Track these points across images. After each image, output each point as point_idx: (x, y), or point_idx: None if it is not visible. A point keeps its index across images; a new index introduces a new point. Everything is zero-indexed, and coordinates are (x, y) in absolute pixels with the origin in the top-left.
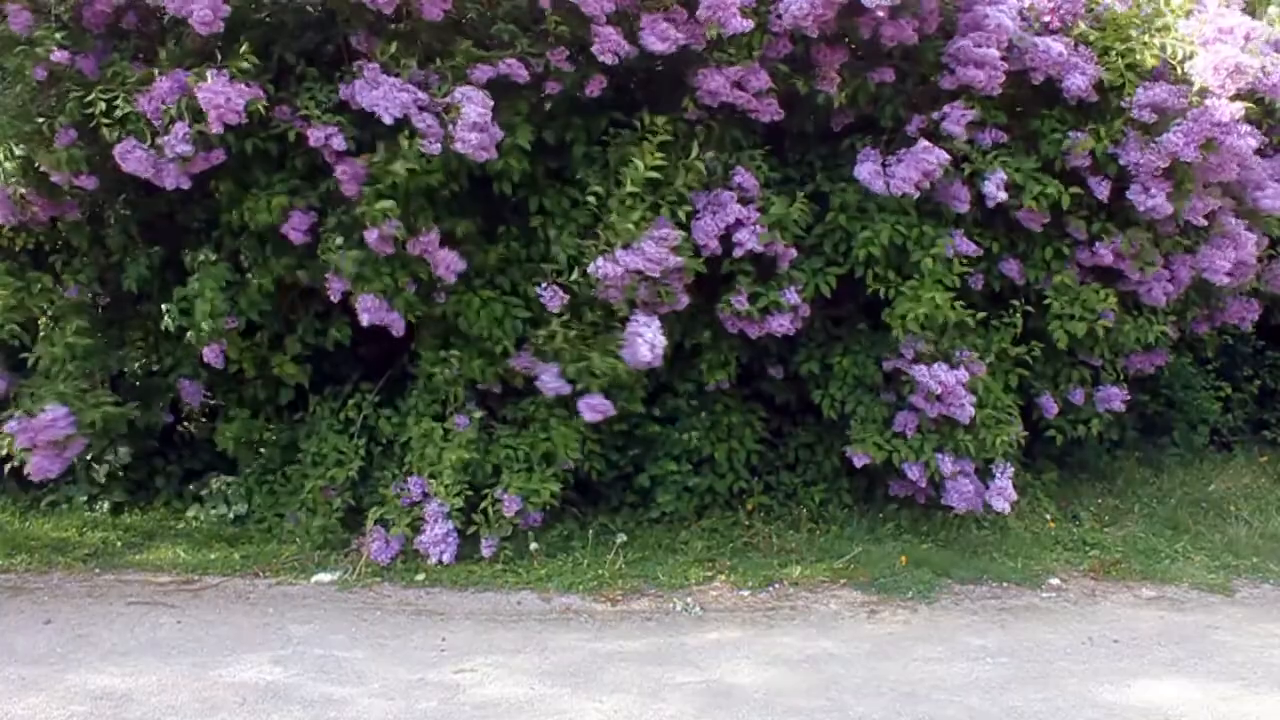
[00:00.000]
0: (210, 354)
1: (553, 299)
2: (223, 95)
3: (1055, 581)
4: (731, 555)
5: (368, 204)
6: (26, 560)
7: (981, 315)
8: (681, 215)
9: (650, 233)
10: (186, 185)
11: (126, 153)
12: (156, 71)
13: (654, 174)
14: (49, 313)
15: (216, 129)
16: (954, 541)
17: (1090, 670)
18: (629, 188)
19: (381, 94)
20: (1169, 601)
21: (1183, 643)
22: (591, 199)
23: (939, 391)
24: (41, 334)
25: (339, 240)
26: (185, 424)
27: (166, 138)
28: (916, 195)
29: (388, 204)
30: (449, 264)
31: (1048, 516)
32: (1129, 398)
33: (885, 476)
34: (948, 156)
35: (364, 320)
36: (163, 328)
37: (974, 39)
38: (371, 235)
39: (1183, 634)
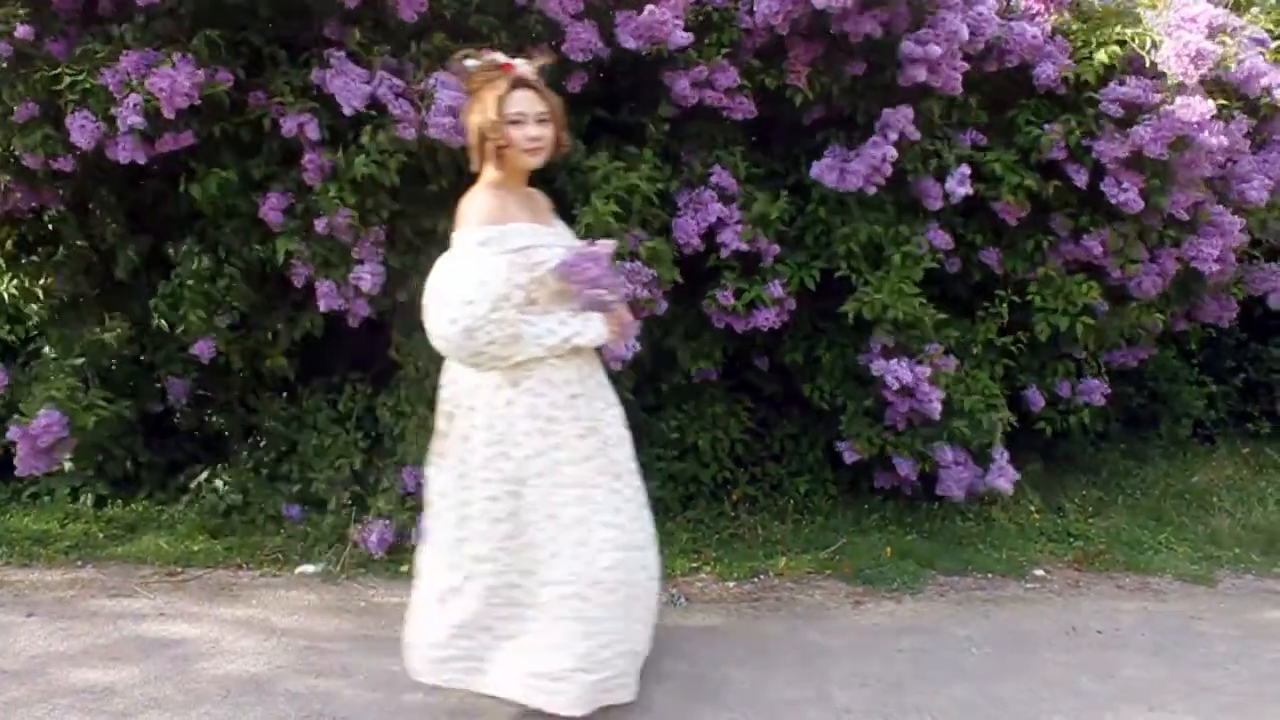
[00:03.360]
0: (201, 348)
1: None
2: (168, 79)
3: (1039, 573)
4: (717, 547)
5: (321, 194)
6: (7, 553)
7: (963, 313)
8: (656, 224)
9: (623, 264)
10: (143, 160)
11: (76, 124)
12: (123, 48)
13: (608, 218)
14: (40, 307)
15: (168, 113)
16: (939, 533)
17: (1074, 660)
18: (585, 220)
19: (342, 84)
20: (1152, 592)
21: (1165, 633)
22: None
23: (897, 387)
24: (34, 329)
25: (296, 224)
26: (175, 416)
27: (119, 109)
28: (871, 190)
29: (342, 192)
30: (372, 279)
31: (1032, 508)
32: (1109, 391)
33: (871, 468)
34: (894, 152)
35: (322, 306)
36: (155, 325)
37: (918, 36)
38: (320, 224)
39: (1165, 625)
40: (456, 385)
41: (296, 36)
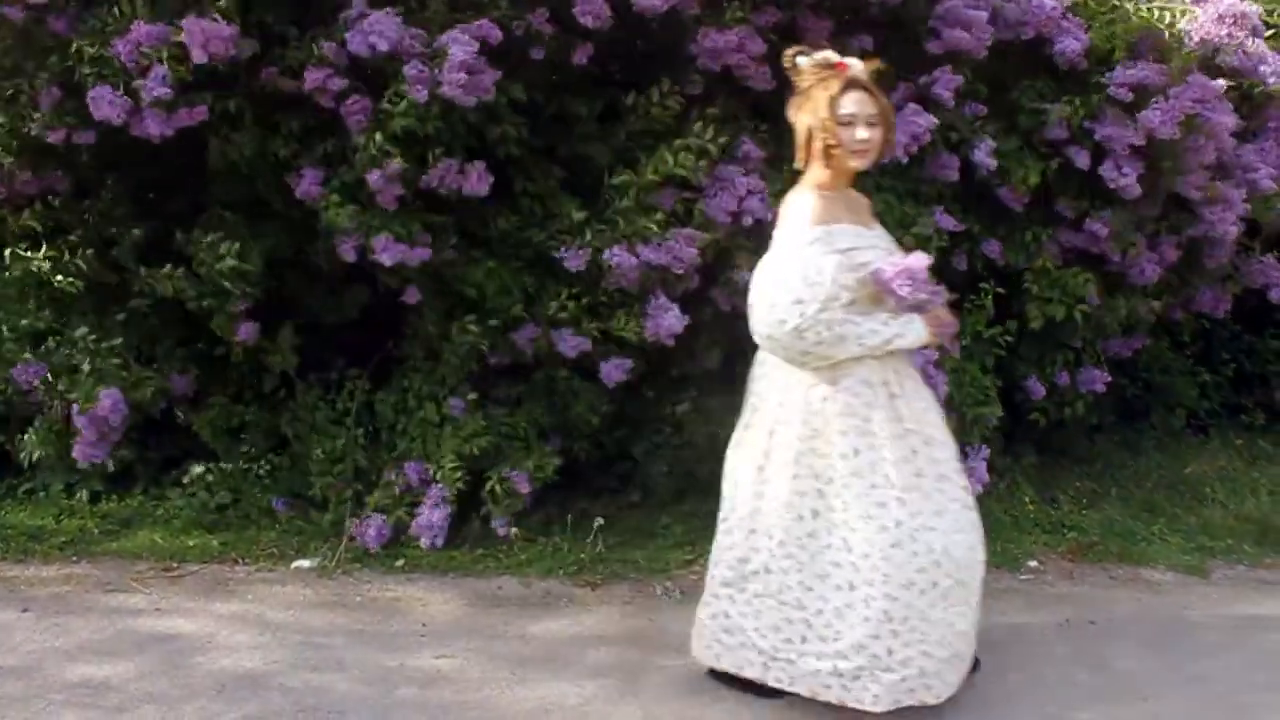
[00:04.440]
0: (245, 331)
1: (574, 259)
2: (201, 25)
3: (1033, 564)
4: (711, 539)
5: (366, 148)
6: (2, 549)
7: (956, 298)
8: (679, 204)
9: (679, 231)
10: (170, 133)
11: (98, 98)
12: (134, 17)
13: (681, 170)
14: (70, 283)
15: (199, 58)
16: None
17: (1068, 651)
18: (651, 176)
19: (372, 20)
20: (1145, 583)
21: (1158, 624)
22: (617, 182)
23: None
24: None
25: (337, 197)
26: (179, 408)
27: (144, 81)
28: (906, 160)
29: (387, 144)
30: (479, 177)
31: (1026, 500)
32: (1110, 379)
33: None
34: (935, 120)
35: (386, 260)
36: (193, 306)
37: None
38: (373, 176)
39: (1158, 615)
40: (767, 379)
41: (305, 14)
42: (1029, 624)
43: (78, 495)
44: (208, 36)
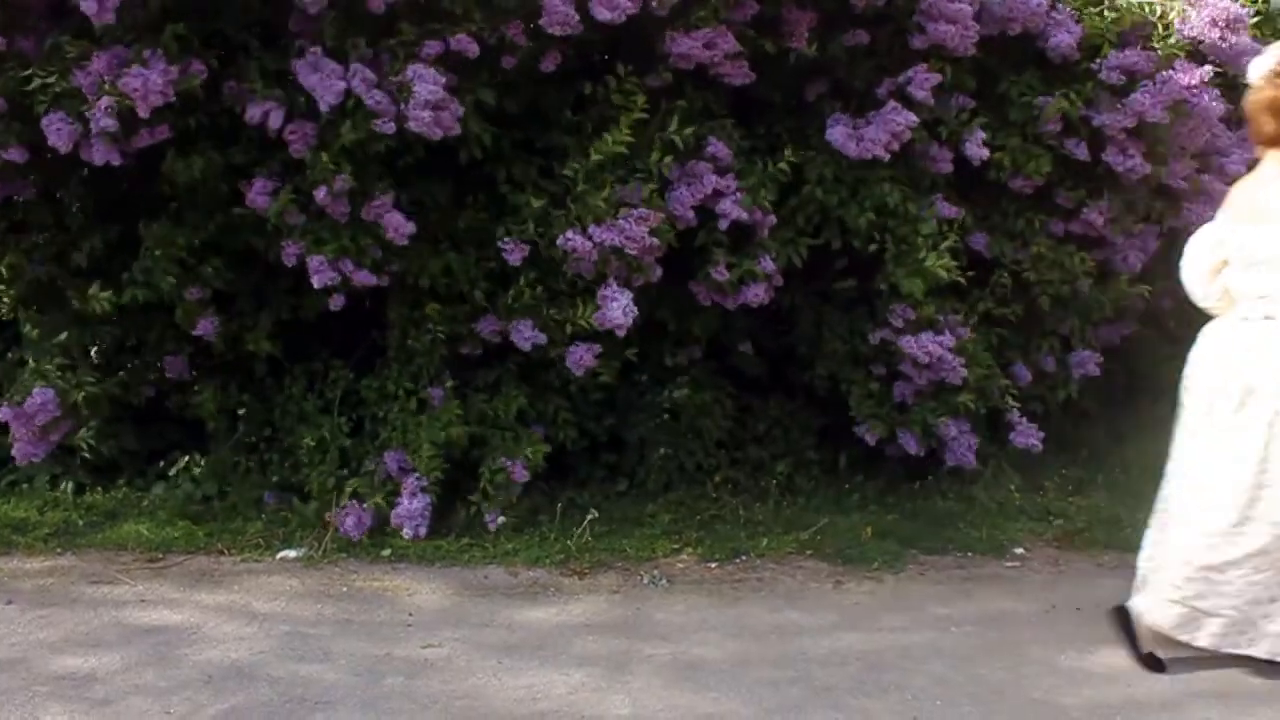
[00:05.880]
0: (204, 327)
1: (513, 252)
2: (140, 78)
3: (1020, 551)
4: (699, 528)
5: (312, 164)
6: None
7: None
8: (648, 191)
9: (630, 211)
10: (117, 161)
11: (52, 126)
12: (92, 46)
13: (621, 148)
14: (12, 289)
15: (144, 113)
16: (920, 513)
17: (1053, 638)
18: (595, 157)
19: (318, 80)
20: (1130, 570)
21: None
22: (569, 172)
23: (927, 361)
24: (9, 311)
25: (288, 203)
26: (168, 399)
27: (92, 112)
28: (886, 158)
29: (338, 157)
30: (397, 226)
31: (1012, 487)
32: (1101, 359)
33: (855, 446)
34: (915, 118)
35: (315, 283)
36: (134, 298)
37: None
38: (320, 193)
39: None
40: (1259, 367)
41: (270, 23)
42: (1015, 611)
43: (62, 487)
44: (147, 91)
